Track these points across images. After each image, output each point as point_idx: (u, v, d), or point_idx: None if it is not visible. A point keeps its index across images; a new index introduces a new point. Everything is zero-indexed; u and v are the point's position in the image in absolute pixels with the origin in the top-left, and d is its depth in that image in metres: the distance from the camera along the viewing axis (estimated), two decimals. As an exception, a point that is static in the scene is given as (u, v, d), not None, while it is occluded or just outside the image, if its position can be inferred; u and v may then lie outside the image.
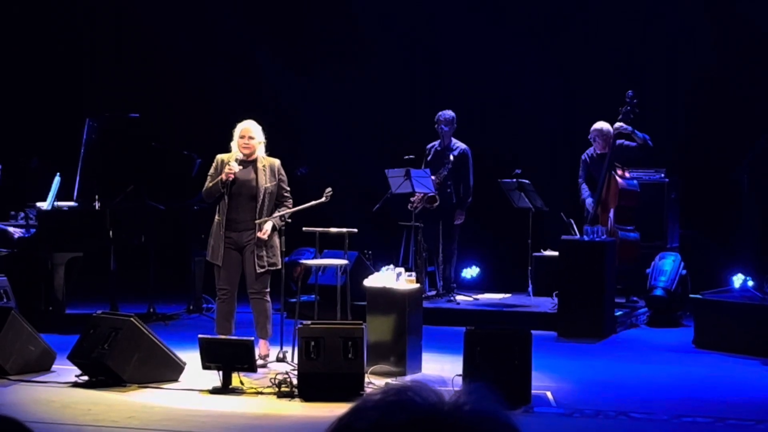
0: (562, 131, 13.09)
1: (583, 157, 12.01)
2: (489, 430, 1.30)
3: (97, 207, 11.38)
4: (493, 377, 7.38)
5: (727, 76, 13.30)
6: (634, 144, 11.67)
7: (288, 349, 9.25)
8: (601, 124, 11.78)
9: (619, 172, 11.66)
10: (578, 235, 11.24)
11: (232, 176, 9.13)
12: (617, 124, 11.58)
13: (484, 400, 1.32)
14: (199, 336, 8.60)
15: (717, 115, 13.32)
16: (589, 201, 11.79)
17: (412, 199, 11.96)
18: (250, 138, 9.24)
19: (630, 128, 11.54)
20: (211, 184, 9.27)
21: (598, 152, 11.84)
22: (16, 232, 11.47)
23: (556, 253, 11.59)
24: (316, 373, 8.10)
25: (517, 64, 13.71)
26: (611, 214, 11.61)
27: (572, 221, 11.45)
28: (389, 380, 8.48)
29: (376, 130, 14.10)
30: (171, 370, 8.67)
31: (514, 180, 12.14)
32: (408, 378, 8.77)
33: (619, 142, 11.67)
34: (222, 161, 9.28)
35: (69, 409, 7.79)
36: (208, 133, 11.74)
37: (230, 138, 9.32)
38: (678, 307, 11.69)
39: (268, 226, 9.20)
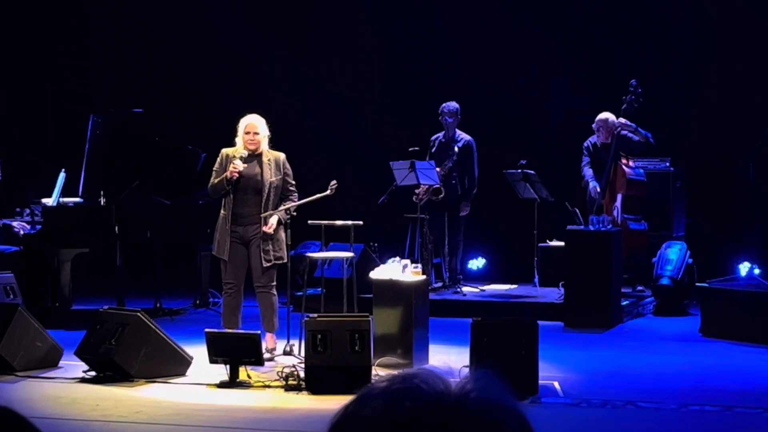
0: (567, 122, 13.04)
1: (585, 144, 11.97)
2: (496, 417, 1.29)
3: (102, 203, 11.38)
4: (500, 368, 7.36)
5: (733, 68, 13.27)
6: (636, 138, 11.64)
7: (295, 342, 9.25)
8: (606, 115, 11.75)
9: (624, 161, 11.63)
10: (583, 224, 11.22)
11: (237, 175, 9.11)
12: (621, 120, 11.54)
13: (492, 387, 1.32)
14: (206, 330, 8.59)
15: (722, 104, 13.29)
16: (593, 184, 11.72)
17: (417, 191, 11.94)
18: (255, 133, 9.20)
19: (633, 125, 11.52)
20: (216, 181, 9.25)
21: (601, 141, 11.82)
22: (21, 228, 11.48)
23: (562, 244, 11.57)
24: (324, 366, 8.10)
25: (522, 55, 13.68)
26: (618, 204, 11.58)
27: (577, 210, 11.43)
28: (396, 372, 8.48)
29: (380, 122, 14.07)
30: (178, 365, 8.67)
31: (519, 171, 12.12)
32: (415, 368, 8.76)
33: (623, 132, 11.64)
34: (227, 156, 9.26)
35: (77, 404, 7.80)
36: (213, 127, 11.72)
37: (235, 132, 9.30)
38: (684, 296, 11.68)
39: (273, 220, 9.19)
